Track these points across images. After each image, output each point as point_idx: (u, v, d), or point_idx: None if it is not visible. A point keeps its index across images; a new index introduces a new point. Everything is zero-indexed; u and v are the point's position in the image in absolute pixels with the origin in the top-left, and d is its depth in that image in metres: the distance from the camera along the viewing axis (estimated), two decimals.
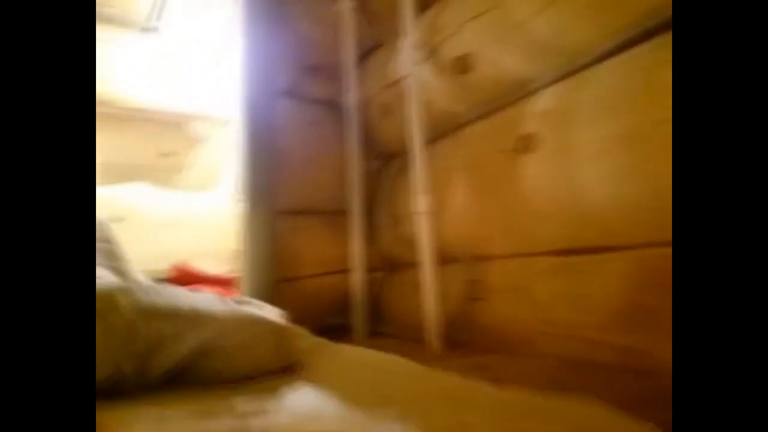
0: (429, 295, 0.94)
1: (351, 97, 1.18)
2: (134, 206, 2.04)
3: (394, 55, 1.09)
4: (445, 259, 0.97)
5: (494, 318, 0.89)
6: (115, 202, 2.01)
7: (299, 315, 1.10)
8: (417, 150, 0.97)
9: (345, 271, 1.15)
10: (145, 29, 1.93)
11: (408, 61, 1.00)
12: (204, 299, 0.60)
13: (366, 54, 1.22)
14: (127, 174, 3.55)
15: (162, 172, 3.46)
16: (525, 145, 0.82)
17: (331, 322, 1.12)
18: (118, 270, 0.91)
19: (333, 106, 1.22)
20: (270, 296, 1.06)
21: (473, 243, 0.96)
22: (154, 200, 2.09)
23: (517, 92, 0.86)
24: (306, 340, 0.79)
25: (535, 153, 0.80)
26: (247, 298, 0.84)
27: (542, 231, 0.81)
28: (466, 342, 0.92)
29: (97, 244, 0.94)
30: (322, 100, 1.22)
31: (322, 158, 1.19)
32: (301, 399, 0.51)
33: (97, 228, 0.98)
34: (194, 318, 0.55)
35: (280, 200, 1.13)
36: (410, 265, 1.06)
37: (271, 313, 0.66)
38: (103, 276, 0.85)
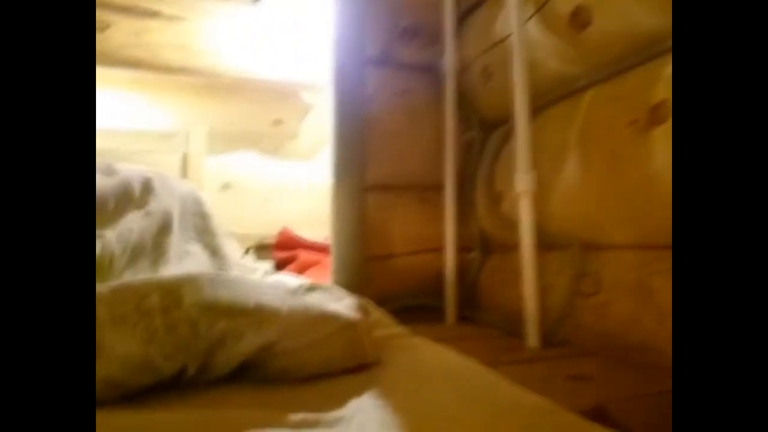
0: (529, 284, 0.84)
1: (448, 60, 1.07)
2: (241, 174, 2.13)
3: (498, 11, 0.96)
4: (550, 245, 0.85)
5: (605, 318, 0.77)
6: (223, 170, 2.11)
7: (388, 294, 1.06)
8: (521, 120, 0.85)
9: (437, 250, 1.07)
10: (252, 1, 1.95)
11: (513, 18, 0.87)
12: (274, 293, 0.56)
13: (466, 13, 1.09)
14: (240, 141, 3.74)
15: (274, 138, 3.61)
16: (656, 115, 0.67)
17: (421, 302, 1.06)
18: (210, 246, 0.91)
19: (428, 72, 1.12)
20: (359, 274, 1.02)
21: (585, 229, 0.82)
22: (260, 168, 2.16)
23: (648, 51, 0.70)
24: (387, 329, 0.73)
25: (668, 125, 0.65)
26: (327, 285, 0.80)
27: (671, 220, 0.67)
28: (570, 342, 0.80)
29: (190, 218, 0.95)
30: (415, 66, 1.13)
31: (415, 129, 1.11)
32: (362, 412, 0.46)
33: (191, 202, 1.00)
34: (258, 316, 0.52)
35: (369, 174, 1.07)
36: (510, 248, 0.95)
37: (348, 305, 0.61)
38: (195, 252, 0.85)
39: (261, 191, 2.11)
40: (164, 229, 0.84)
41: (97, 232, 0.75)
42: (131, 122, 2.53)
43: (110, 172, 0.98)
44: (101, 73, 1.98)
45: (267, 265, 1.72)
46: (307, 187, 2.16)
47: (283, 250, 1.97)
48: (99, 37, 1.82)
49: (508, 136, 0.99)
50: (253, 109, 2.79)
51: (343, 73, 1.08)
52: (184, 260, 0.81)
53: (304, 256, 1.90)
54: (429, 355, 0.61)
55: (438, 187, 1.09)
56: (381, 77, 1.10)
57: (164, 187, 0.95)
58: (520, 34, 0.85)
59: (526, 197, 0.83)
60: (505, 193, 0.99)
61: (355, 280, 1.00)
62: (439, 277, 1.06)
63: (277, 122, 2.91)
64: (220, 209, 2.03)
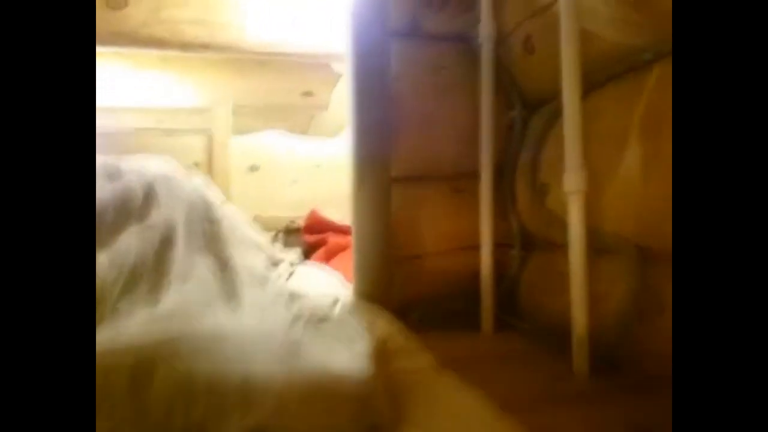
0: (578, 294, 0.72)
1: (485, 30, 0.93)
2: (269, 154, 2.04)
3: None
4: (603, 248, 0.73)
5: (670, 342, 0.64)
6: (250, 151, 2.03)
7: (417, 298, 0.96)
8: (571, 103, 0.71)
9: (472, 248, 0.96)
10: None
11: None
12: (269, 352, 0.47)
13: None
14: (270, 114, 3.67)
15: (304, 110, 3.51)
16: None
17: (454, 307, 0.96)
18: (220, 256, 0.83)
19: (461, 44, 0.98)
20: (383, 278, 0.93)
21: (647, 233, 0.69)
22: (288, 147, 2.07)
23: None
24: (409, 360, 0.63)
25: None
26: (342, 314, 0.71)
27: None
28: (627, 366, 0.69)
29: (198, 226, 0.86)
30: (447, 37, 0.99)
31: (447, 110, 0.98)
32: None
33: (199, 206, 0.91)
34: (246, 394, 0.42)
35: (395, 164, 0.96)
36: (556, 246, 0.83)
37: (361, 352, 0.51)
38: (201, 268, 0.77)
39: (289, 171, 2.02)
40: (167, 243, 0.77)
41: None
42: (156, 100, 2.48)
43: (114, 175, 0.91)
44: (122, 51, 1.92)
45: (295, 253, 1.65)
46: (338, 164, 2.06)
47: (313, 233, 1.90)
48: (116, 15, 1.74)
49: (555, 116, 0.85)
50: (281, 82, 2.69)
51: (364, 48, 0.96)
52: (188, 280, 0.73)
53: (333, 239, 1.82)
54: (454, 410, 0.51)
55: (473, 175, 0.97)
56: (408, 51, 0.97)
57: (169, 193, 0.87)
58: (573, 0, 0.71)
59: (577, 198, 0.70)
60: (551, 185, 0.86)
61: (379, 285, 0.90)
62: (473, 277, 0.94)
63: (307, 94, 2.81)
64: (247, 191, 1.97)
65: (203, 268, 0.77)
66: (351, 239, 1.91)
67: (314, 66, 2.47)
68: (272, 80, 2.66)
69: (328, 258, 1.80)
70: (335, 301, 1.02)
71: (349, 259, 1.73)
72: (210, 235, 0.85)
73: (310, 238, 1.89)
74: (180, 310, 0.64)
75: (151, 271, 0.72)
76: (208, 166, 1.97)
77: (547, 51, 0.80)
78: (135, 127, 3.80)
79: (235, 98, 2.69)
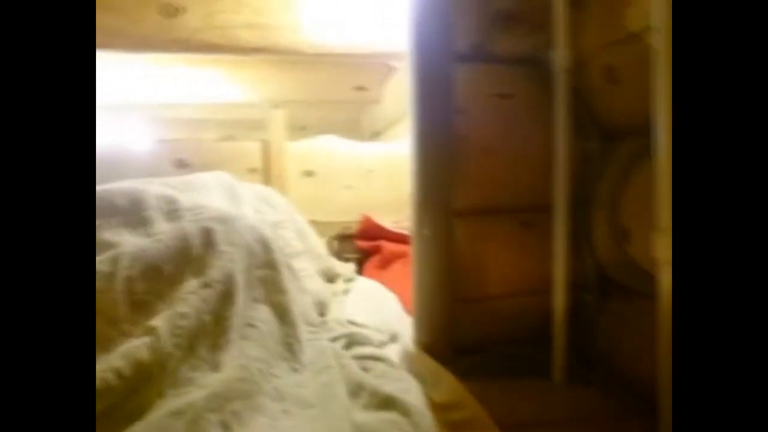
0: (666, 347, 0.64)
1: (561, 55, 0.84)
2: (323, 159, 2.02)
3: None
4: None
5: None
6: (305, 157, 2.01)
7: (481, 342, 0.91)
8: (663, 134, 0.63)
9: (542, 289, 0.89)
10: None
11: (660, 7, 0.62)
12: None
13: None
14: (322, 108, 3.65)
15: (356, 104, 3.48)
16: None
17: (520, 353, 0.90)
18: (279, 307, 0.80)
19: (532, 69, 0.90)
20: (445, 323, 0.88)
21: None
22: (342, 152, 2.04)
23: None
24: (461, 413, 0.59)
25: None
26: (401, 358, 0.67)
27: None
28: None
29: (257, 273, 0.84)
30: (516, 60, 0.91)
31: (517, 139, 0.91)
32: None
33: (258, 250, 0.88)
34: None
35: (459, 197, 0.90)
36: (638, 295, 0.76)
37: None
38: (260, 322, 0.74)
39: (343, 176, 1.99)
40: (226, 300, 0.75)
41: (150, 324, 0.67)
42: (210, 96, 2.50)
43: (171, 213, 0.89)
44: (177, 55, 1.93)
45: (349, 268, 1.62)
46: (391, 170, 2.01)
47: (366, 239, 1.87)
48: (171, 22, 1.74)
49: (641, 153, 0.76)
50: (333, 77, 2.66)
51: (426, 75, 0.89)
52: (248, 337, 0.70)
53: (387, 247, 1.78)
54: None
55: (543, 209, 0.89)
56: (473, 77, 0.90)
57: (227, 238, 0.84)
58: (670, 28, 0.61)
59: (667, 268, 0.62)
60: (633, 231, 0.77)
61: (441, 333, 0.86)
62: (542, 321, 0.88)
63: (360, 88, 2.77)
64: (302, 196, 1.96)
65: (262, 322, 0.75)
66: (406, 248, 1.87)
67: (367, 61, 2.41)
68: (324, 76, 2.63)
69: (382, 266, 1.77)
70: (393, 338, 0.99)
71: (403, 268, 1.70)
72: (269, 282, 0.83)
73: (364, 244, 1.86)
74: (242, 378, 0.62)
75: (210, 331, 0.70)
76: (265, 172, 1.97)
77: (635, 83, 0.72)
78: (191, 120, 3.87)
79: (286, 94, 2.69)
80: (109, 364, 0.60)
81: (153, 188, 0.98)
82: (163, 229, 0.85)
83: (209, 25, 1.77)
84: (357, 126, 3.85)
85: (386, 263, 1.74)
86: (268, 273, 0.84)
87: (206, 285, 0.75)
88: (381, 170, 2.03)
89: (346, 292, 1.31)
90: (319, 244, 1.52)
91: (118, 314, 0.70)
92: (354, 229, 1.94)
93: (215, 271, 0.77)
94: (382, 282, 1.67)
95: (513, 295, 0.91)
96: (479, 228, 0.91)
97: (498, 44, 0.90)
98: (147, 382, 0.61)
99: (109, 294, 0.71)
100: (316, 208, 1.96)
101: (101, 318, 0.68)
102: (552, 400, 0.81)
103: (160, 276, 0.75)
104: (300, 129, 4.01)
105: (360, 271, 1.77)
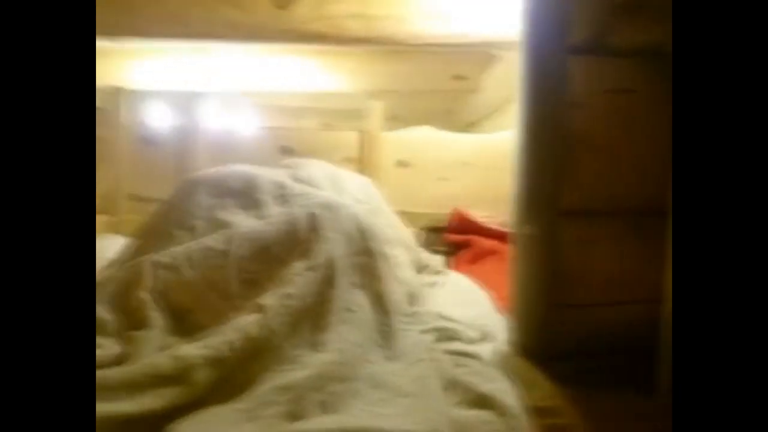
0: None
1: None
2: (418, 150, 2.02)
3: None
4: None
5: None
6: (399, 147, 2.02)
7: (578, 351, 0.87)
8: None
9: (651, 299, 0.83)
10: None
11: None
12: None
13: None
14: (419, 98, 3.64)
15: (452, 94, 3.44)
16: None
17: (621, 364, 0.85)
18: (375, 294, 0.82)
19: (656, 63, 0.83)
20: (546, 328, 0.85)
21: None
22: (437, 143, 2.03)
23: None
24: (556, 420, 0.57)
25: None
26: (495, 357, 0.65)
27: None
28: None
29: (355, 259, 0.87)
30: (638, 53, 0.84)
31: (634, 139, 0.85)
32: None
33: (357, 237, 0.91)
34: None
35: (566, 196, 0.86)
36: None
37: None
38: (357, 307, 0.77)
39: (437, 168, 1.99)
40: (328, 282, 0.78)
41: (259, 302, 0.71)
42: (310, 86, 2.59)
43: (282, 197, 0.94)
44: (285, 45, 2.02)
45: (438, 260, 1.62)
46: (487, 162, 1.96)
47: (456, 233, 1.85)
48: (282, 13, 1.82)
49: None
50: (432, 66, 2.65)
51: (538, 67, 0.86)
52: (346, 321, 0.73)
53: (478, 242, 1.75)
54: None
55: (659, 213, 0.83)
56: (589, 70, 0.85)
57: (330, 224, 0.88)
58: None
59: None
60: None
61: (536, 333, 0.83)
62: (648, 331, 0.82)
63: (458, 77, 2.73)
64: (394, 186, 1.98)
65: (359, 307, 0.77)
66: (498, 244, 1.83)
67: (467, 50, 2.38)
68: (423, 65, 2.63)
69: (473, 261, 1.75)
70: (484, 336, 0.97)
71: (497, 267, 1.67)
72: (366, 269, 0.85)
73: (454, 237, 1.85)
74: (341, 362, 0.64)
75: (313, 312, 0.74)
76: (360, 162, 2.01)
77: None
78: (293, 108, 4.03)
79: (383, 84, 2.72)
80: (223, 336, 0.64)
81: (266, 173, 1.04)
82: (274, 213, 0.90)
83: (318, 15, 1.82)
84: (451, 116, 3.81)
85: (477, 258, 1.72)
86: (365, 260, 0.87)
87: (310, 268, 0.79)
88: (477, 163, 2.00)
89: (434, 284, 1.31)
90: (408, 235, 1.53)
91: (231, 290, 0.75)
92: (444, 221, 1.93)
93: (319, 256, 0.80)
94: (473, 277, 1.65)
95: (617, 303, 0.86)
96: (587, 230, 0.87)
97: (618, 35, 0.84)
98: (255, 356, 0.66)
99: (223, 270, 0.77)
100: (407, 199, 1.97)
101: (215, 292, 0.74)
102: (653, 418, 0.76)
103: (269, 256, 0.80)
104: (392, 118, 4.04)
105: (449, 264, 1.76)
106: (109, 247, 1.75)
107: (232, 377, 0.63)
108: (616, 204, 0.86)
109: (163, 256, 0.84)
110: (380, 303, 0.80)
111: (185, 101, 2.38)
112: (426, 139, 2.04)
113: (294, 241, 0.85)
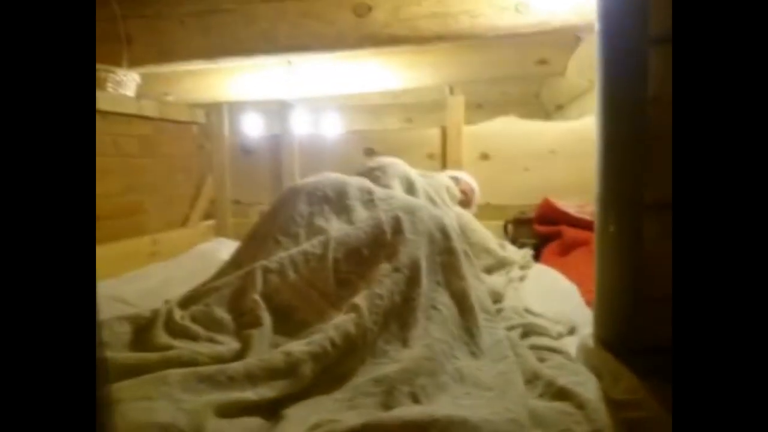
0: None
1: None
2: (500, 142, 2.01)
3: None
4: None
5: None
6: (482, 140, 2.03)
7: (662, 345, 0.86)
8: None
9: None
10: None
11: None
12: None
13: None
14: (503, 83, 3.57)
15: (537, 78, 3.36)
16: None
17: None
18: (458, 293, 0.87)
19: None
20: (630, 322, 0.85)
21: None
22: (519, 134, 2.01)
23: None
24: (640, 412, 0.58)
25: None
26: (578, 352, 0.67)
27: None
28: None
29: (437, 259, 0.92)
30: None
31: None
32: None
33: (439, 238, 0.96)
34: None
35: (650, 189, 0.85)
36: None
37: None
38: (441, 305, 0.82)
39: (521, 158, 1.97)
40: (413, 282, 0.85)
41: (353, 302, 0.79)
42: (391, 84, 2.65)
43: (368, 203, 1.03)
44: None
45: (525, 253, 1.62)
46: (574, 150, 1.91)
47: (545, 224, 1.83)
48: (362, 21, 1.90)
49: None
50: (514, 54, 2.61)
51: (617, 59, 0.85)
52: (431, 318, 0.79)
53: (568, 232, 1.73)
54: None
55: None
56: (669, 62, 0.83)
57: (413, 227, 0.95)
58: None
59: None
60: None
61: (623, 332, 0.83)
62: None
63: (542, 62, 2.68)
64: (478, 180, 1.99)
65: (443, 305, 0.83)
66: (589, 234, 1.79)
67: (552, 35, 2.32)
68: (504, 53, 2.60)
69: (563, 253, 1.72)
70: (571, 330, 0.99)
71: (585, 257, 1.64)
72: (448, 268, 0.90)
73: (543, 228, 1.83)
74: (428, 357, 0.70)
75: (400, 310, 0.81)
76: (443, 157, 2.05)
77: None
78: (376, 105, 4.13)
79: (465, 74, 2.72)
80: (325, 333, 0.73)
81: (354, 180, 1.13)
82: (362, 217, 0.98)
83: (395, 18, 1.89)
84: (537, 100, 3.71)
85: (567, 249, 1.70)
86: (447, 258, 0.92)
87: (396, 269, 0.86)
88: (564, 150, 1.96)
89: (522, 278, 1.33)
90: (486, 237, 1.54)
91: (329, 289, 0.84)
92: (531, 213, 1.91)
93: (403, 257, 0.87)
94: (563, 269, 1.64)
95: None
96: (668, 223, 0.85)
97: None
98: (352, 351, 0.74)
99: (322, 272, 0.86)
100: (492, 192, 1.98)
101: (316, 291, 0.83)
102: None
103: (360, 258, 0.89)
104: (477, 107, 4.01)
105: (537, 256, 1.76)
106: (219, 249, 1.96)
107: (332, 370, 0.71)
108: None
109: (271, 262, 0.95)
110: (464, 301, 0.85)
111: (278, 110, 2.55)
112: (508, 130, 2.03)
113: (381, 244, 0.93)
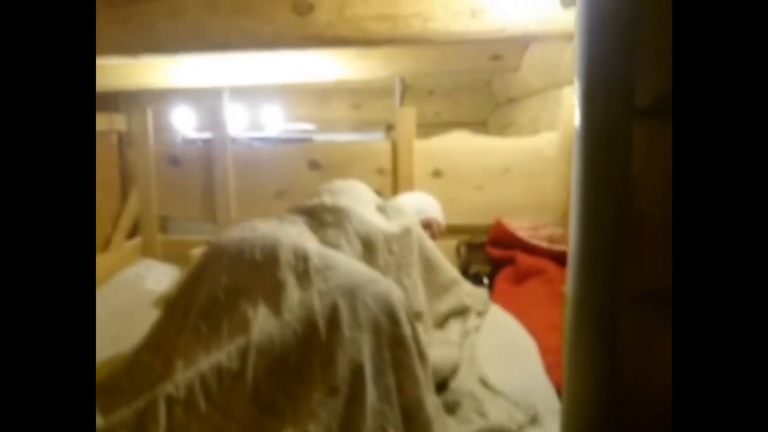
0: None
1: None
2: (453, 158, 1.89)
3: None
4: None
5: None
6: (434, 155, 1.90)
7: None
8: None
9: None
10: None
11: None
12: None
13: None
14: (454, 78, 3.44)
15: (491, 74, 3.25)
16: None
17: None
18: (411, 402, 0.74)
19: None
20: (598, 425, 0.77)
21: None
22: (473, 149, 1.89)
23: None
24: None
25: None
26: None
27: None
28: None
29: (386, 354, 0.77)
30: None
31: None
32: None
33: (385, 325, 0.81)
34: None
35: (629, 278, 0.75)
36: None
37: None
38: (392, 419, 0.70)
39: (474, 176, 1.85)
40: (355, 405, 0.71)
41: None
42: (339, 74, 2.47)
43: (302, 277, 0.87)
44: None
45: (481, 296, 1.51)
46: (529, 169, 1.81)
47: (499, 248, 1.74)
48: (303, 20, 1.70)
49: None
50: (469, 48, 2.50)
51: (596, 135, 0.74)
52: None
53: (522, 260, 1.65)
54: None
55: None
56: (656, 137, 0.73)
57: (353, 317, 0.79)
58: None
59: None
60: None
61: None
62: None
63: (496, 57, 2.58)
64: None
65: (395, 427, 0.70)
66: (544, 262, 1.72)
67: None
68: (458, 49, 2.49)
69: (517, 281, 1.65)
70: (533, 420, 0.90)
71: (539, 287, 1.56)
72: (399, 367, 0.77)
73: (496, 252, 1.75)
74: None
75: None
76: (394, 173, 1.90)
77: None
78: (321, 90, 3.92)
79: (417, 66, 2.57)
80: None
81: (288, 237, 0.97)
82: (293, 302, 0.83)
83: (340, 19, 1.70)
84: (488, 88, 3.62)
85: (521, 278, 1.62)
86: (397, 353, 0.79)
87: (333, 391, 0.72)
88: (517, 168, 1.86)
89: (478, 329, 1.23)
90: (452, 276, 1.42)
91: (248, 420, 0.70)
92: (485, 233, 1.82)
93: (342, 368, 0.73)
94: (517, 301, 1.56)
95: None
96: (650, 312, 0.76)
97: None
98: None
99: (240, 396, 0.71)
100: (445, 211, 1.86)
101: (233, 425, 0.68)
102: None
103: (287, 370, 0.74)
104: (428, 93, 3.88)
105: (492, 283, 1.68)
106: (146, 275, 1.75)
107: None
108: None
109: (179, 388, 0.78)
110: (417, 415, 0.73)
111: (210, 104, 2.32)
112: (461, 146, 1.91)
113: (314, 347, 0.79)
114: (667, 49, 0.71)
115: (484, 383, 0.98)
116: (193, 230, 2.03)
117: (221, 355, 0.81)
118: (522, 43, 2.31)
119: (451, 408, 0.87)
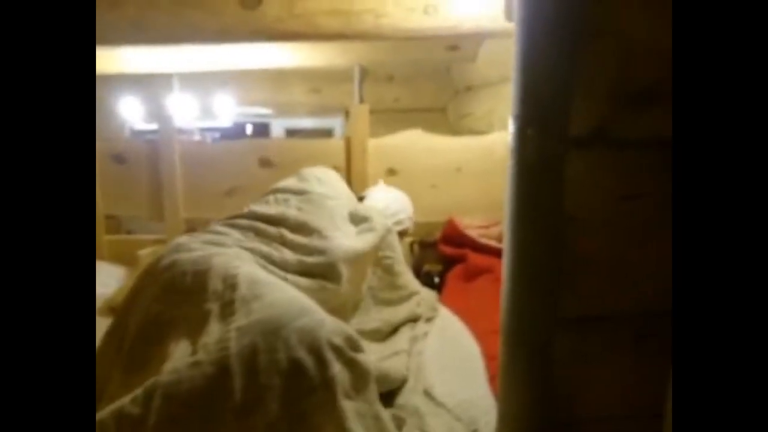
0: None
1: None
2: (407, 157, 1.88)
3: None
4: None
5: None
6: (388, 154, 1.89)
7: None
8: None
9: (646, 415, 0.77)
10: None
11: None
12: None
13: None
14: (412, 68, 3.43)
15: (449, 63, 3.23)
16: None
17: None
18: None
19: (663, 160, 0.72)
20: None
21: None
22: (427, 149, 1.89)
23: None
24: None
25: None
26: None
27: None
28: None
29: (308, 401, 0.75)
30: (646, 146, 0.73)
31: (639, 243, 0.75)
32: None
33: (311, 367, 0.78)
34: None
35: (563, 303, 0.78)
36: None
37: None
38: None
39: (428, 175, 1.86)
40: None
41: None
42: (296, 61, 2.41)
43: (227, 308, 0.84)
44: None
45: (430, 298, 1.53)
46: (480, 169, 1.83)
47: (450, 246, 1.77)
48: (251, 14, 1.64)
49: None
50: (424, 42, 2.47)
51: (530, 163, 0.75)
52: None
53: (472, 258, 1.68)
54: None
55: (663, 314, 0.75)
56: (590, 167, 0.74)
57: (271, 361, 0.75)
58: None
59: None
60: None
61: None
62: None
63: (453, 48, 2.56)
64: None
65: None
66: (495, 261, 1.75)
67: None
68: (414, 41, 2.45)
69: (467, 278, 1.68)
70: None
71: (488, 285, 1.60)
72: (320, 409, 0.73)
73: (448, 249, 1.77)
74: None
75: None
76: (347, 171, 1.88)
77: None
78: (278, 73, 3.82)
79: (374, 55, 2.53)
80: None
81: (220, 263, 0.93)
82: (211, 338, 0.79)
83: (289, 13, 1.65)
84: (448, 75, 3.61)
85: (472, 276, 1.65)
86: (321, 397, 0.76)
87: None
88: (469, 167, 1.88)
89: (426, 335, 1.25)
90: (410, 286, 1.41)
91: None
92: (436, 235, 1.84)
93: (258, 420, 0.71)
94: (466, 298, 1.59)
95: (608, 419, 0.80)
96: (584, 340, 0.79)
97: (624, 127, 0.72)
98: None
99: None
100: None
101: None
102: None
103: (193, 417, 0.70)
104: (388, 79, 3.83)
105: (443, 282, 1.70)
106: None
107: None
108: (617, 308, 0.78)
109: None
110: None
111: (157, 94, 2.23)
112: (415, 144, 1.90)
113: (225, 394, 0.73)
114: (603, 81, 0.71)
115: (429, 395, 1.00)
116: (158, 230, 1.96)
117: (127, 398, 0.75)
118: (478, 35, 2.30)
119: (397, 425, 0.88)
